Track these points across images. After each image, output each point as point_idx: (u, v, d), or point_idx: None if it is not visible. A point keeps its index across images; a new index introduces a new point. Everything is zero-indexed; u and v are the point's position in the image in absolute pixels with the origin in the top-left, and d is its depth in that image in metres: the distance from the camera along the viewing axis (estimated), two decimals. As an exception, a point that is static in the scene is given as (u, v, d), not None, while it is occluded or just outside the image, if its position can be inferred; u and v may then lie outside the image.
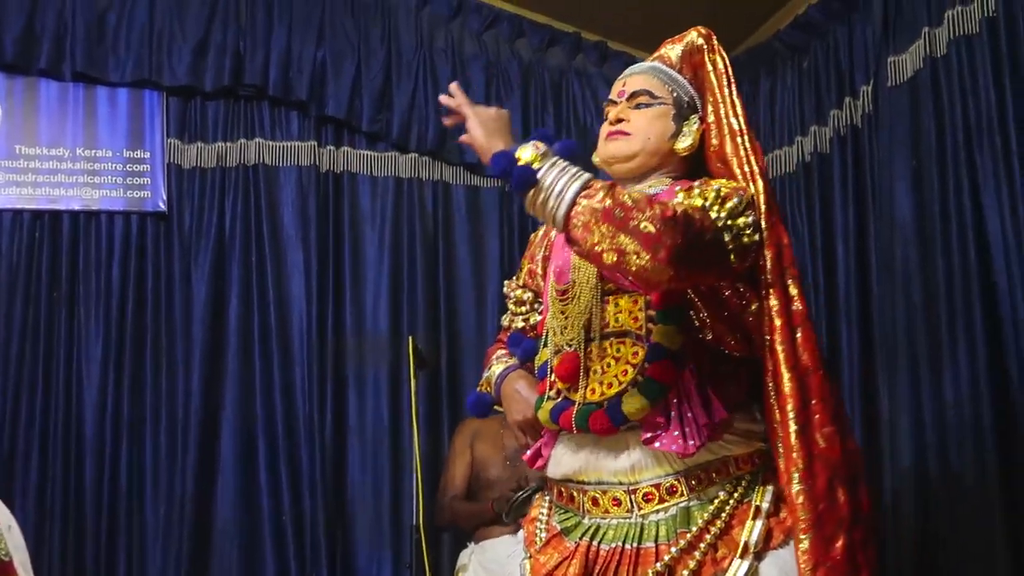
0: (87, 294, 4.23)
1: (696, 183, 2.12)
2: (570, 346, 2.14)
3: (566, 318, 2.16)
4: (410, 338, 3.84)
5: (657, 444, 2.02)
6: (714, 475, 2.05)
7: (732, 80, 2.24)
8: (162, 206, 4.33)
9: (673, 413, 2.02)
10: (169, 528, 4.14)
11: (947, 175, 3.54)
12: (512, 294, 2.47)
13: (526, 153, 1.91)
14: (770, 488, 2.05)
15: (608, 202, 1.84)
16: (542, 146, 1.92)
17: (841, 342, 4.00)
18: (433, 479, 4.10)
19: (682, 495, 2.04)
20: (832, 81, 4.17)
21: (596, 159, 2.32)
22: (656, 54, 2.35)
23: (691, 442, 1.99)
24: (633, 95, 2.23)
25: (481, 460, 4.04)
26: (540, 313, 2.38)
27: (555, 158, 1.91)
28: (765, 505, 2.03)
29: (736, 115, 2.19)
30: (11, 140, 4.26)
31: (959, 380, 3.42)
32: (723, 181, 2.09)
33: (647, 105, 2.22)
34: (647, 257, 1.82)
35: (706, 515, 2.02)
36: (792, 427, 2.00)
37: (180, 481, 4.19)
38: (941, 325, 3.50)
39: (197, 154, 4.42)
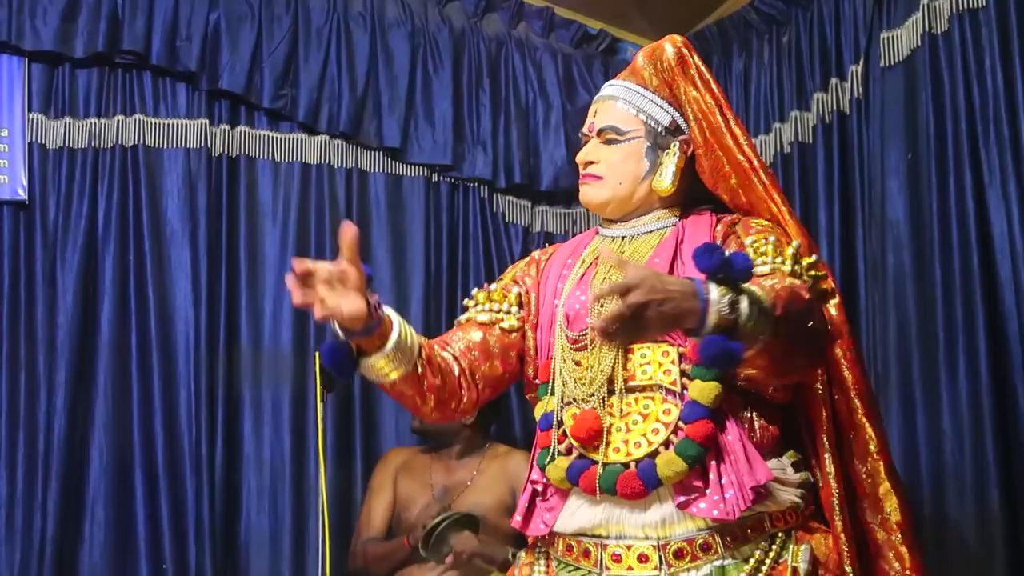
0: (-70, 296, 4.11)
1: (750, 238, 2.25)
2: (587, 402, 2.21)
3: (583, 369, 2.23)
4: (316, 354, 3.75)
5: (694, 509, 2.11)
6: (749, 532, 2.15)
7: (720, 98, 2.36)
8: (22, 193, 4.21)
9: (712, 475, 2.11)
10: (25, 577, 4.03)
11: (947, 169, 3.55)
12: (485, 293, 2.52)
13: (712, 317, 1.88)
14: (804, 547, 2.16)
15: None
16: (721, 296, 1.88)
17: (822, 361, 3.98)
18: (343, 523, 4.08)
19: (716, 552, 2.13)
20: (816, 59, 4.17)
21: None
22: (629, 68, 2.45)
23: (735, 506, 2.08)
24: (601, 131, 2.39)
25: (405, 498, 4.04)
26: (533, 359, 2.42)
27: (736, 312, 1.89)
28: (803, 566, 2.13)
29: (735, 138, 2.33)
30: None
31: (958, 406, 3.43)
32: (769, 228, 2.28)
33: (615, 142, 2.38)
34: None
35: (742, 575, 2.11)
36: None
37: (40, 521, 4.04)
38: (938, 342, 3.51)
39: (65, 132, 4.29)
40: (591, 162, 2.39)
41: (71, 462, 4.12)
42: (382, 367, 2.19)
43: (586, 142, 2.44)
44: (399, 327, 2.20)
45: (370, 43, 4.57)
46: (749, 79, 4.45)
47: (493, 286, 2.52)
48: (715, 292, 1.85)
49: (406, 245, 4.62)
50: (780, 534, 2.16)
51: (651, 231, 2.37)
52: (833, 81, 4.08)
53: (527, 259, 2.59)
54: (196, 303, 4.30)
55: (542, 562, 2.31)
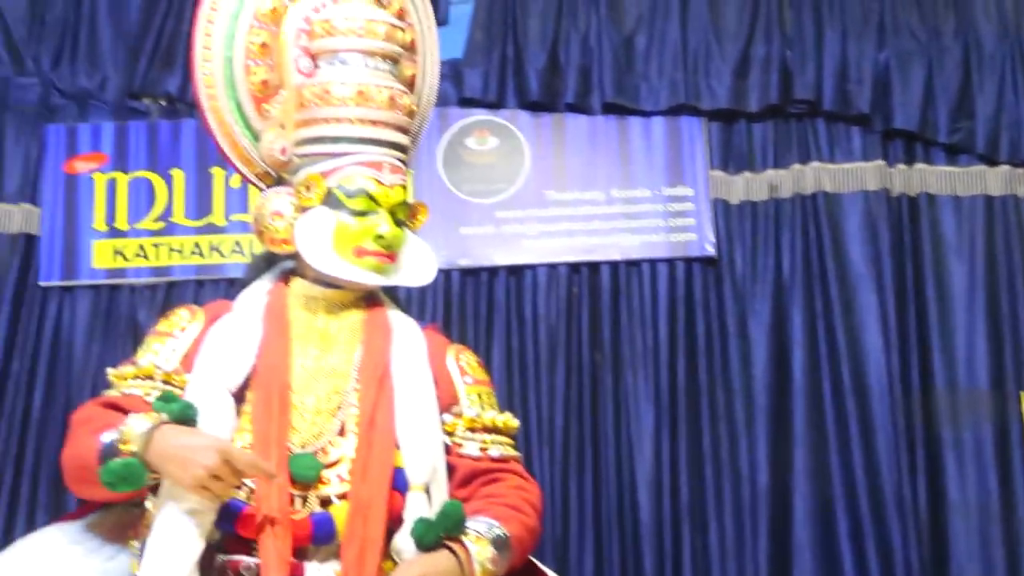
0: (632, 355, 4.66)
1: None
2: None
3: None
4: (1022, 395, 3.91)
5: None
6: None
7: None
8: (710, 249, 4.71)
9: None
10: (742, 623, 4.43)
11: None
12: None
13: None
14: None
15: None
16: None
17: None
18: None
19: None
20: None
21: None
22: None
23: None
24: None
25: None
26: None
27: None
28: None
29: None
30: (540, 185, 4.81)
31: None
32: None
33: None
34: None
35: None
36: None
37: (751, 568, 4.48)
38: None
39: (745, 186, 4.78)
40: None
41: (776, 510, 4.53)
42: None
43: None
44: None
45: (1048, 63, 4.75)
46: None
47: None
48: None
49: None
50: None
51: None
52: None
53: None
54: (887, 346, 4.60)
55: None
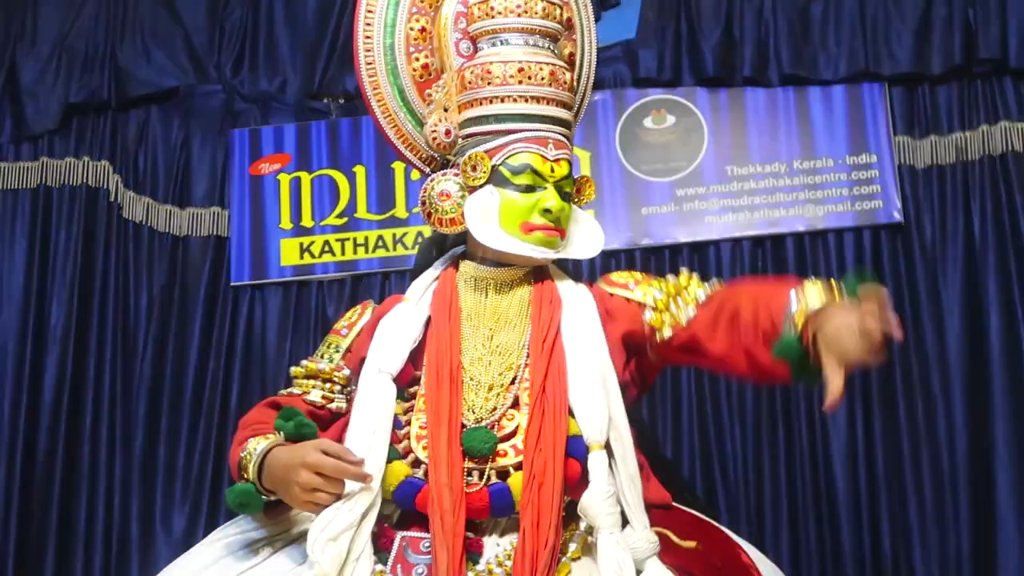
0: (822, 327, 4.68)
1: None
2: None
3: None
4: None
5: None
6: None
7: None
8: (897, 216, 4.73)
9: None
10: (944, 594, 4.44)
11: None
12: None
13: None
14: None
15: None
16: None
17: None
18: None
19: None
20: None
21: None
22: None
23: None
24: None
25: None
26: None
27: None
28: None
29: None
30: (720, 161, 4.90)
31: None
32: None
33: None
34: None
35: None
36: None
37: (953, 539, 4.48)
38: None
39: (932, 150, 4.78)
40: None
41: (977, 479, 4.52)
42: None
43: None
44: None
45: None
46: None
47: None
48: None
49: None
50: None
51: None
52: None
53: None
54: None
55: None
